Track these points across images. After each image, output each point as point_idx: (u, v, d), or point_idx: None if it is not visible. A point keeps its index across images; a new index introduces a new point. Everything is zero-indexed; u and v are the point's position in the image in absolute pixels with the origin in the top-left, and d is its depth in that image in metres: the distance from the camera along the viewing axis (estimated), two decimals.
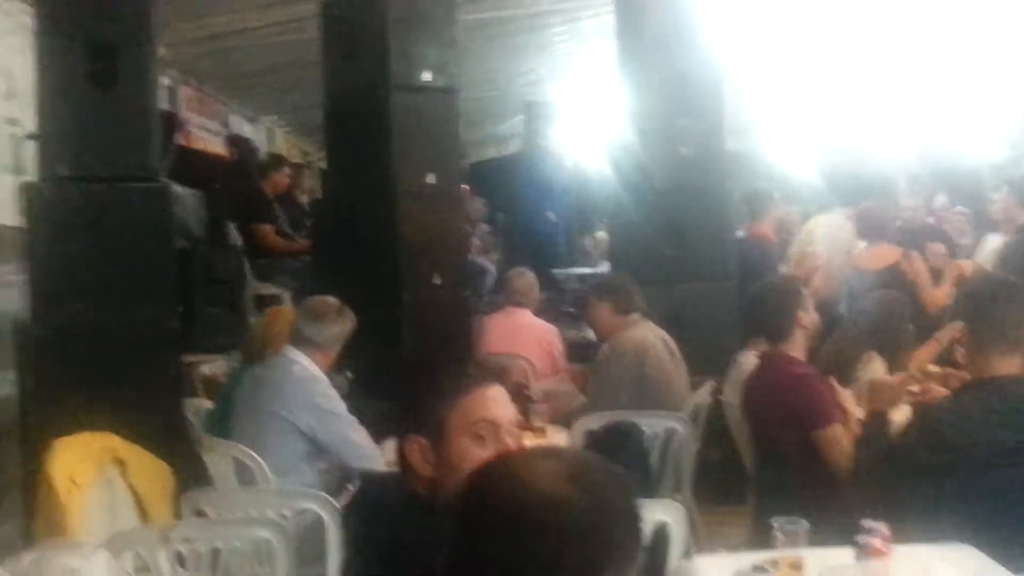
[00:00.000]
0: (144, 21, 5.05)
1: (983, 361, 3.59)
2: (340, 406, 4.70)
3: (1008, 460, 3.41)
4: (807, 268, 7.42)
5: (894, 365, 5.32)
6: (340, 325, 4.87)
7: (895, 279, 6.75)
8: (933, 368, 5.65)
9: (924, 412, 3.83)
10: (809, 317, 4.58)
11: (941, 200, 8.69)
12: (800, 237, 8.12)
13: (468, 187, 10.85)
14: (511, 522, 1.58)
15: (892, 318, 5.47)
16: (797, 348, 4.55)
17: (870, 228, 7.43)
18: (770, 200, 7.90)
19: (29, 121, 5.70)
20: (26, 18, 6.33)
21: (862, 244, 7.50)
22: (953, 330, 4.94)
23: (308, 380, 4.69)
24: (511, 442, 2.38)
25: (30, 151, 5.28)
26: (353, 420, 4.71)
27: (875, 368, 5.25)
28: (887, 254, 7.12)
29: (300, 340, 4.83)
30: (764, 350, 4.75)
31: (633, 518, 1.62)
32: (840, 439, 4.30)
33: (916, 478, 3.53)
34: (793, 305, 4.56)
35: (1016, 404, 3.48)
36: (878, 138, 12.09)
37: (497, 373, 2.51)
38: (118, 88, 4.96)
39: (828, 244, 7.70)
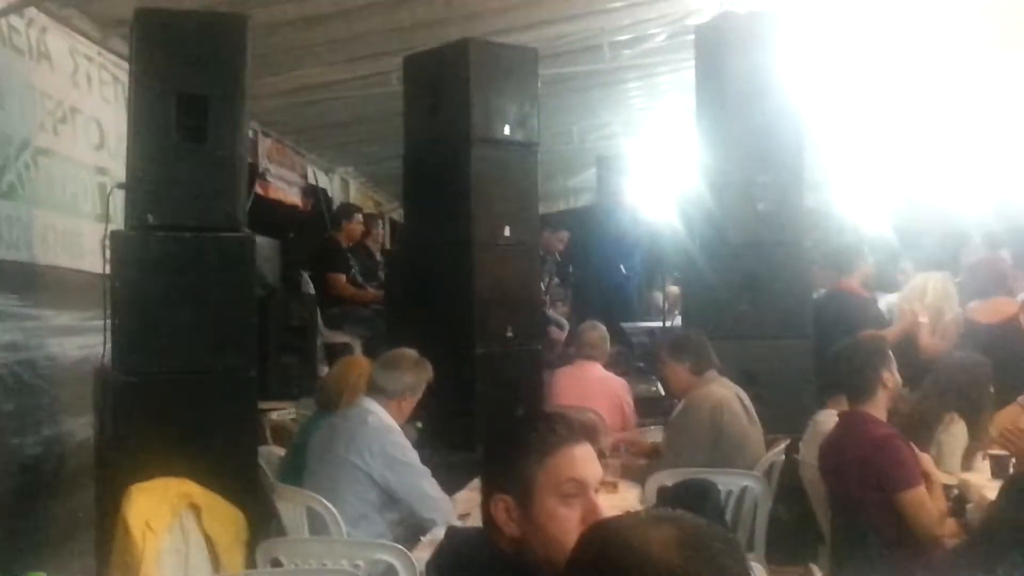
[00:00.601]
0: (236, 75, 5.17)
1: None
2: (413, 456, 4.72)
3: None
4: (906, 325, 7.26)
5: (975, 428, 5.24)
6: (415, 375, 4.90)
7: (1013, 333, 6.61)
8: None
9: (1016, 476, 3.76)
10: (893, 378, 4.52)
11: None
12: (906, 293, 7.93)
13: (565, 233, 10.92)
14: None
15: (975, 379, 5.37)
16: (879, 408, 4.49)
17: (985, 281, 7.31)
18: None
19: (117, 171, 5.84)
20: (116, 71, 6.52)
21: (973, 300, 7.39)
22: None
23: (382, 430, 4.71)
24: (600, 502, 2.34)
25: (118, 201, 5.39)
26: (426, 471, 4.73)
27: (957, 431, 5.17)
28: (1004, 307, 6.98)
29: (375, 390, 4.88)
30: (844, 409, 4.69)
31: None
32: (924, 502, 4.24)
33: (1010, 545, 3.46)
34: (878, 364, 4.51)
35: None
36: (953, 194, 11.97)
37: (585, 431, 2.47)
38: (208, 140, 5.07)
39: (939, 299, 7.56)
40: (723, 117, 6.84)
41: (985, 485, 4.78)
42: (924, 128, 11.75)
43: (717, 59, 6.88)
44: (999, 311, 6.95)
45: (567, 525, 2.25)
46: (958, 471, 5.17)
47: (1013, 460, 4.87)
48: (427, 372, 4.94)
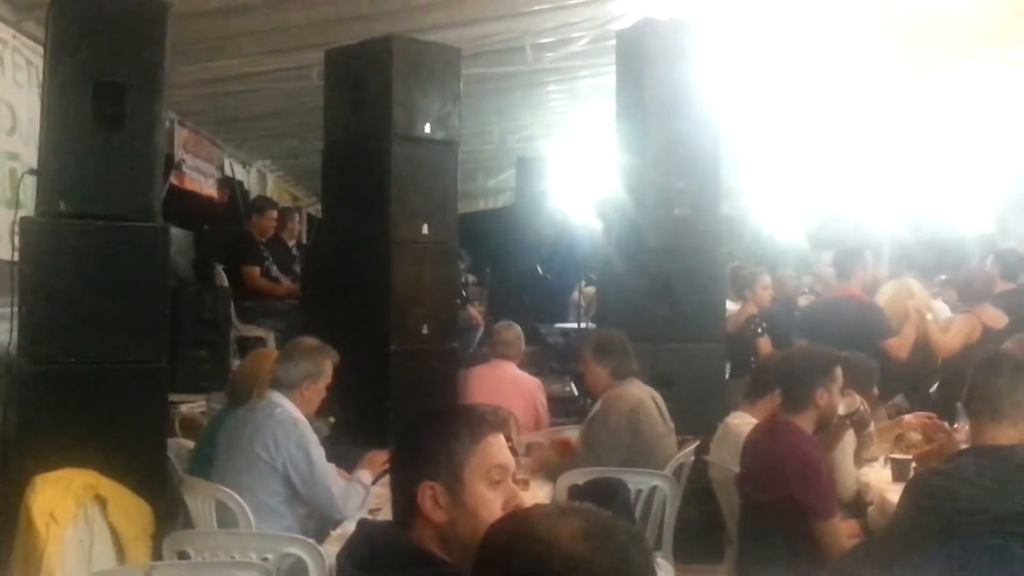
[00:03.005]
0: (155, 63, 5.09)
1: (977, 429, 3.64)
2: (317, 451, 4.70)
3: (1000, 529, 3.42)
4: (918, 325, 7.36)
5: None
6: (313, 362, 4.87)
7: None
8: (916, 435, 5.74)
9: (919, 476, 3.86)
10: (829, 397, 4.54)
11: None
12: (894, 296, 8.01)
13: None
14: None
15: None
16: (808, 422, 4.52)
17: (974, 293, 7.50)
18: (860, 260, 7.66)
19: (29, 157, 5.72)
20: (31, 55, 6.38)
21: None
22: None
23: (288, 423, 4.70)
24: (516, 488, 2.41)
25: (29, 187, 5.27)
26: (328, 467, 4.72)
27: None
28: (994, 318, 7.23)
29: (277, 382, 4.86)
30: (772, 413, 4.72)
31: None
32: (837, 532, 4.32)
33: (909, 546, 3.54)
34: (816, 380, 4.52)
35: (1013, 473, 3.50)
36: (866, 205, 12.27)
37: (502, 421, 2.53)
38: (125, 128, 4.98)
39: (926, 300, 7.70)
40: (642, 123, 6.92)
41: (886, 488, 4.91)
42: (839, 140, 12.02)
43: (637, 65, 6.95)
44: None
45: (495, 509, 2.30)
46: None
47: (914, 464, 5.01)
48: (327, 357, 4.92)
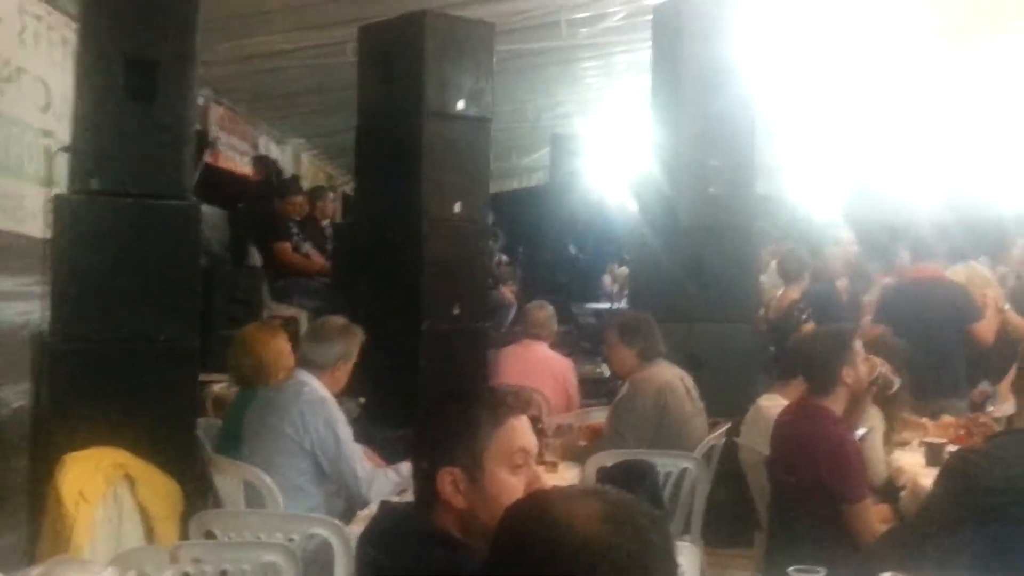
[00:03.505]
0: (186, 38, 5.07)
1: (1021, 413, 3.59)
2: (345, 431, 4.69)
3: None
4: (997, 313, 7.16)
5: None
6: (344, 343, 4.86)
7: None
8: (949, 418, 5.67)
9: (956, 456, 3.81)
10: (855, 373, 4.47)
11: None
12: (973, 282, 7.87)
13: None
14: (548, 564, 1.56)
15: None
16: (838, 403, 4.45)
17: None
18: (938, 240, 7.52)
19: (63, 134, 5.72)
20: (66, 31, 6.39)
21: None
22: None
23: (317, 402, 4.69)
24: (539, 472, 2.38)
25: (62, 164, 5.28)
26: (356, 447, 4.72)
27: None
28: None
29: (305, 362, 4.85)
30: (801, 397, 4.67)
31: (671, 561, 1.61)
32: (868, 516, 4.27)
33: (943, 528, 3.49)
34: (839, 359, 4.44)
35: None
36: (905, 186, 12.10)
37: (525, 403, 2.49)
38: (156, 104, 4.97)
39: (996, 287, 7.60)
40: (677, 100, 6.85)
41: (919, 472, 4.84)
42: (876, 117, 11.86)
43: (674, 41, 6.89)
44: None
45: (516, 494, 2.26)
46: None
47: (948, 447, 4.93)
48: (357, 337, 4.91)
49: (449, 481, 2.29)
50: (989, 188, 11.61)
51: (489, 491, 2.29)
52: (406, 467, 4.76)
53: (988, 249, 7.95)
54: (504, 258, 10.67)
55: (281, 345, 5.33)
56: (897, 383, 4.95)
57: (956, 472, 3.61)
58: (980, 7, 8.12)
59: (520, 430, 2.36)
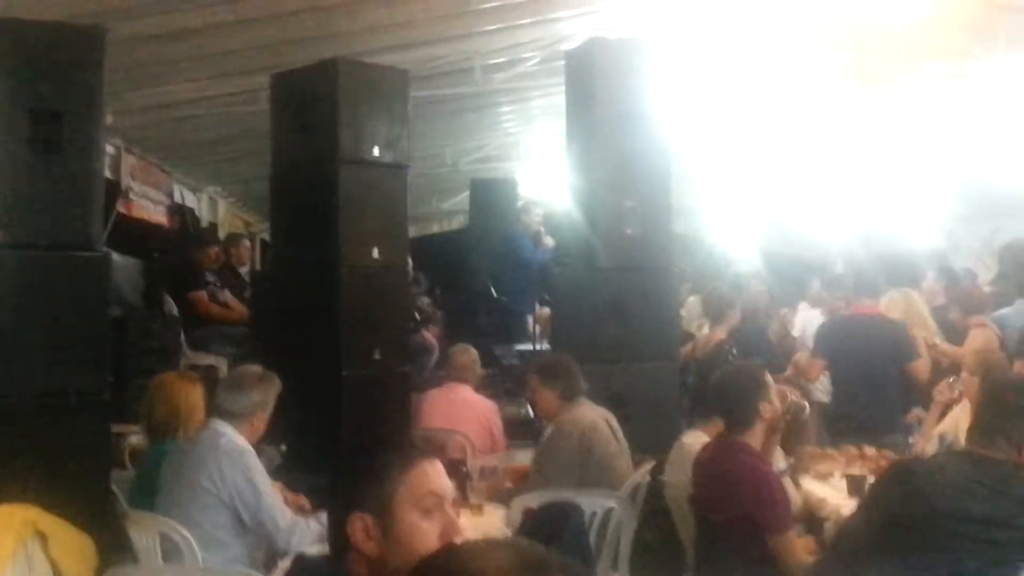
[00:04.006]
0: (91, 87, 5.00)
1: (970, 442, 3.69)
2: (264, 482, 4.61)
3: (963, 530, 3.41)
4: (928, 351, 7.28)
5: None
6: (262, 392, 4.78)
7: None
8: (869, 450, 5.74)
9: (894, 463, 3.87)
10: (772, 408, 4.53)
11: None
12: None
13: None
14: None
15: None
16: (756, 438, 4.51)
17: (977, 304, 7.55)
18: (879, 278, 7.59)
19: None
20: None
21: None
22: None
23: (235, 453, 4.60)
24: (455, 516, 2.34)
25: None
26: (276, 497, 4.63)
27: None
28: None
29: (221, 412, 4.75)
30: (720, 434, 4.70)
31: None
32: (795, 546, 4.30)
33: (878, 534, 3.53)
34: (757, 394, 4.51)
35: (989, 480, 3.50)
36: (819, 223, 12.33)
37: (438, 448, 2.47)
38: (62, 155, 4.89)
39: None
40: (592, 142, 6.91)
41: (842, 504, 4.89)
42: (789, 155, 12.08)
43: (587, 84, 6.95)
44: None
45: (429, 539, 2.25)
46: None
47: (870, 479, 4.99)
48: (274, 385, 4.83)
49: (360, 528, 2.26)
50: (901, 223, 11.89)
51: (400, 537, 2.25)
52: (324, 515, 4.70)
53: (900, 283, 8.10)
54: (427, 300, 10.60)
55: (197, 397, 5.23)
56: (807, 410, 5.03)
57: (889, 477, 3.67)
58: (888, 48, 8.32)
59: (431, 475, 2.33)
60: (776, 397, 4.63)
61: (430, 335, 9.83)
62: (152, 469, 4.92)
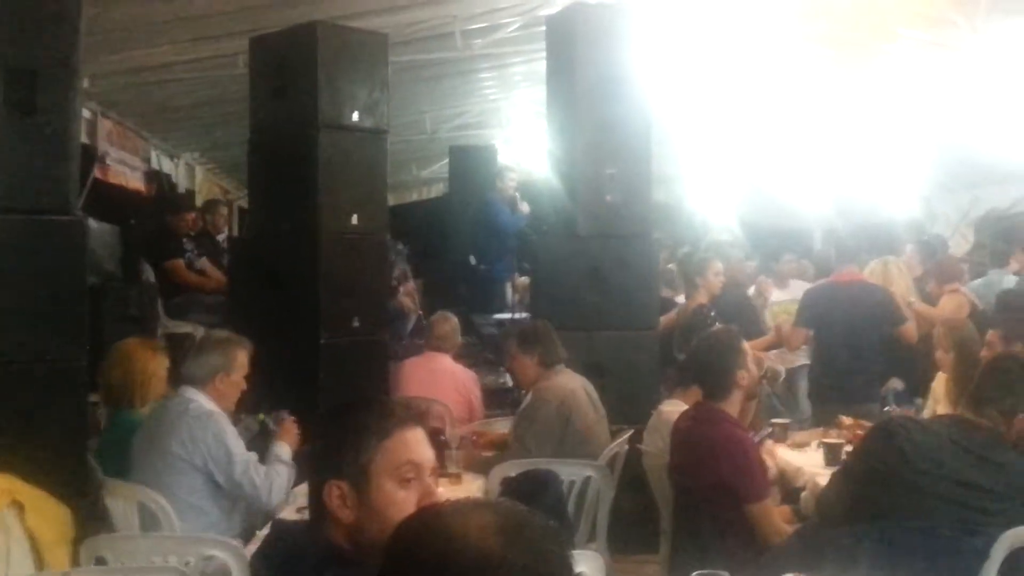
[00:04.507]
0: (67, 47, 4.87)
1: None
2: (236, 443, 4.61)
3: (943, 491, 3.44)
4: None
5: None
6: (222, 355, 4.77)
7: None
8: (847, 420, 5.77)
9: (890, 421, 3.90)
10: (749, 375, 4.55)
11: None
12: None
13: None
14: None
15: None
16: (734, 405, 4.53)
17: (949, 274, 7.72)
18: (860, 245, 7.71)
19: None
20: None
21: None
22: None
23: (203, 416, 4.61)
24: (433, 485, 2.32)
25: None
26: (249, 458, 4.62)
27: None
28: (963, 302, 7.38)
29: (187, 377, 4.77)
30: (698, 401, 4.71)
31: (568, 571, 1.58)
32: (771, 514, 4.32)
33: (858, 491, 3.55)
34: (734, 362, 4.53)
35: (975, 446, 3.54)
36: (798, 193, 12.33)
37: (419, 416, 2.43)
38: (36, 116, 4.79)
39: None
40: (572, 109, 6.87)
41: (818, 472, 4.91)
42: (769, 124, 12.06)
43: (567, 50, 6.91)
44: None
45: (405, 508, 2.22)
46: None
47: (847, 447, 5.01)
48: (238, 348, 4.81)
49: (336, 495, 2.24)
50: (879, 193, 11.91)
51: (376, 505, 2.24)
52: (284, 449, 4.69)
53: (880, 253, 8.12)
54: (405, 267, 10.56)
55: (155, 365, 5.21)
56: (783, 373, 5.07)
57: (876, 431, 3.70)
58: (866, 16, 8.29)
59: (410, 443, 2.30)
60: (753, 364, 4.64)
61: (407, 300, 9.79)
62: (114, 437, 4.91)
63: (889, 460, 3.54)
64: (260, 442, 5.07)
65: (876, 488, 3.53)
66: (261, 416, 5.64)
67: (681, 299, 8.11)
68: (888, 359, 6.92)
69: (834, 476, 3.97)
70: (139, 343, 5.52)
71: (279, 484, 4.57)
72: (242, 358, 4.79)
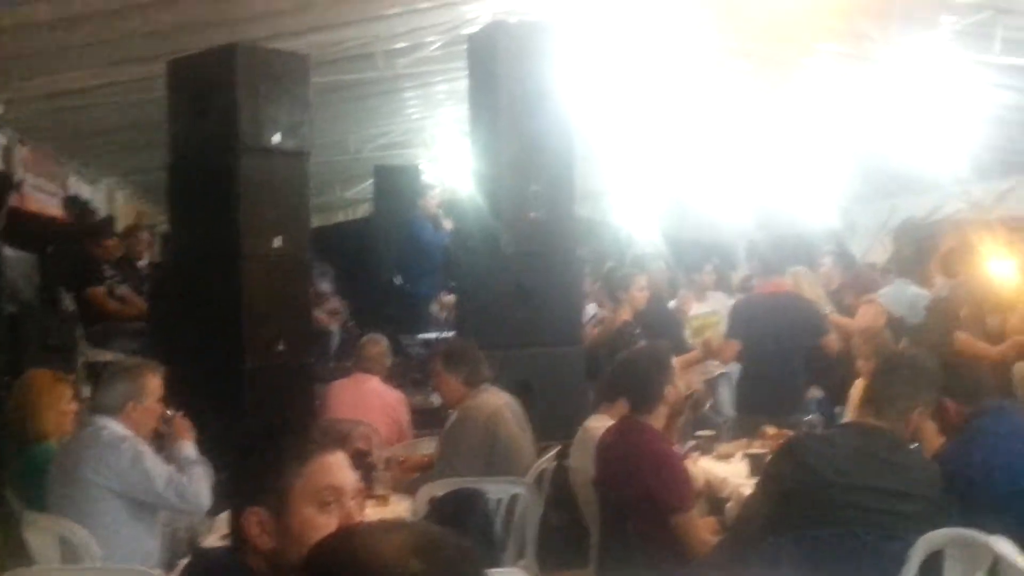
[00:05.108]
0: None
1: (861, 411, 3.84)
2: (152, 462, 4.53)
3: (855, 499, 3.51)
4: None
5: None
6: (131, 383, 4.68)
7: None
8: (771, 430, 5.84)
9: (789, 438, 3.96)
10: (676, 391, 4.59)
11: None
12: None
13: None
14: None
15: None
16: (659, 419, 4.57)
17: (866, 284, 7.91)
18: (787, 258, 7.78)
19: None
20: None
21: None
22: None
23: (116, 440, 4.53)
24: (355, 510, 2.31)
25: None
26: (167, 472, 4.54)
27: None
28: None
29: (98, 406, 4.70)
30: (623, 416, 4.74)
31: None
32: (697, 525, 4.36)
33: (768, 516, 3.60)
34: (662, 376, 4.57)
35: (877, 450, 3.62)
36: (720, 205, 12.50)
37: (339, 439, 2.40)
38: None
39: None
40: (495, 126, 6.89)
41: (743, 483, 4.96)
42: (690, 139, 12.21)
43: (489, 68, 6.93)
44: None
45: (326, 533, 2.16)
46: None
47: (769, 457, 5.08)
48: (146, 373, 4.72)
49: (255, 521, 2.22)
50: (800, 204, 12.12)
51: (296, 530, 2.21)
52: (189, 447, 4.64)
53: (796, 264, 8.25)
54: (327, 287, 10.48)
55: (52, 397, 5.12)
56: (709, 402, 5.13)
57: (782, 452, 3.76)
58: (783, 30, 8.43)
59: (330, 467, 2.27)
60: (681, 380, 4.69)
61: (326, 317, 9.74)
62: (27, 469, 4.84)
63: (798, 478, 3.60)
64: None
65: (791, 507, 3.59)
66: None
67: None
68: (808, 368, 7.01)
69: (749, 497, 4.02)
70: (39, 374, 5.42)
71: (202, 486, 4.52)
72: (153, 383, 4.71)
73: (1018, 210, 10.85)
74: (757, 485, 4.00)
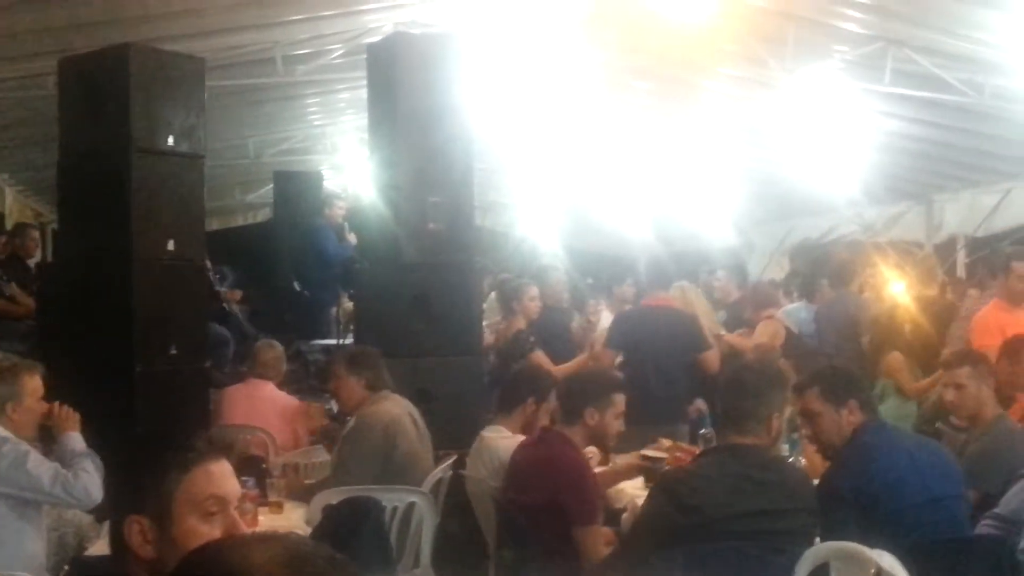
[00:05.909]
0: None
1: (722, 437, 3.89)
2: (33, 460, 4.37)
3: (738, 528, 3.57)
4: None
5: None
6: (7, 385, 4.52)
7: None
8: (666, 442, 5.91)
9: (665, 475, 4.00)
10: (600, 419, 4.63)
11: None
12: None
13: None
14: None
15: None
16: (578, 436, 4.63)
17: (764, 301, 8.05)
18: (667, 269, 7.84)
19: None
20: None
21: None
22: None
23: None
24: (239, 519, 2.27)
25: None
26: (51, 470, 4.39)
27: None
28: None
29: None
30: (545, 426, 4.90)
31: None
32: (597, 539, 4.39)
33: (656, 544, 3.64)
34: (588, 400, 4.63)
35: (750, 472, 3.66)
36: (622, 220, 12.65)
37: (224, 447, 2.36)
38: None
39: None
40: (395, 136, 6.89)
41: (639, 494, 5.01)
42: (594, 154, 12.34)
43: (389, 78, 6.92)
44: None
45: None
46: None
47: (665, 467, 5.14)
48: (24, 373, 4.59)
49: (136, 531, 2.17)
50: (698, 222, 12.34)
51: (178, 540, 2.16)
52: (75, 439, 4.54)
53: (686, 278, 8.37)
54: (223, 290, 10.32)
55: None
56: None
57: (661, 490, 3.80)
58: (682, 52, 8.56)
59: (213, 476, 2.23)
60: (614, 419, 4.71)
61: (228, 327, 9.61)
62: None
63: (680, 520, 3.65)
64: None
65: (677, 537, 3.63)
66: None
67: None
68: (694, 381, 7.10)
69: (636, 522, 4.07)
70: None
71: (91, 479, 4.39)
72: (32, 383, 4.58)
73: (907, 235, 11.22)
74: (640, 518, 4.01)
